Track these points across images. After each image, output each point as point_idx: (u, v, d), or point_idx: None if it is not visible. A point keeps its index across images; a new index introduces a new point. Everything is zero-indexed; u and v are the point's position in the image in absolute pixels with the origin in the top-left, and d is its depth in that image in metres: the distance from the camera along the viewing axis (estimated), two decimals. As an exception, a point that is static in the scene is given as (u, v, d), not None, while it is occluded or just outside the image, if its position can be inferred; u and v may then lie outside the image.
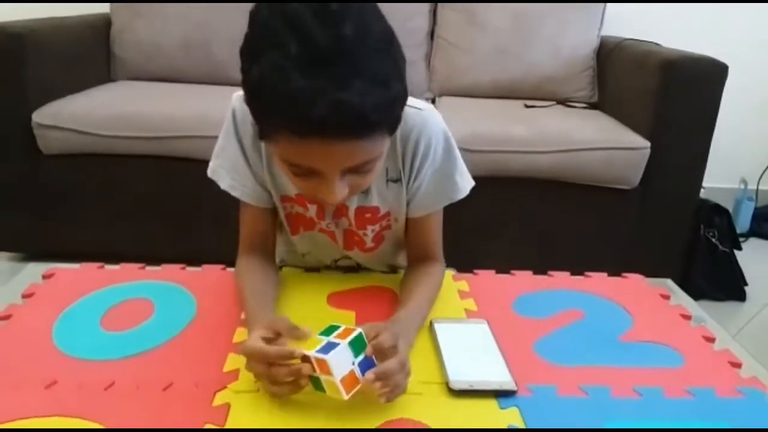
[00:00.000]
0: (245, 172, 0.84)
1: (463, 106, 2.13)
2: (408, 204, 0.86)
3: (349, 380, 0.60)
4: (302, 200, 0.86)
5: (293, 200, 0.87)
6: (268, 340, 0.64)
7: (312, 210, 0.87)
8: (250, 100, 0.65)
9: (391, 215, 0.88)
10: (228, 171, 0.85)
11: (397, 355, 0.63)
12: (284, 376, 0.62)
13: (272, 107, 0.61)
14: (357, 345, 0.62)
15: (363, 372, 0.61)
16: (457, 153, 0.85)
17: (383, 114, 0.62)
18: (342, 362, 0.60)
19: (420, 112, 0.80)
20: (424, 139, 0.80)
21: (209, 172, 0.86)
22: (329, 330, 0.64)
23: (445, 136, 0.83)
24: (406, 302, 0.79)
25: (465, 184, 0.86)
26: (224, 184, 0.85)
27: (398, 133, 0.77)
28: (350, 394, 0.60)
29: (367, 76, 0.58)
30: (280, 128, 0.62)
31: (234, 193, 0.85)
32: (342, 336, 0.62)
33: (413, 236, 0.90)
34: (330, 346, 0.60)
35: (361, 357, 0.62)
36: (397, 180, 0.83)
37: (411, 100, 0.75)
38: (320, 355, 0.59)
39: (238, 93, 0.78)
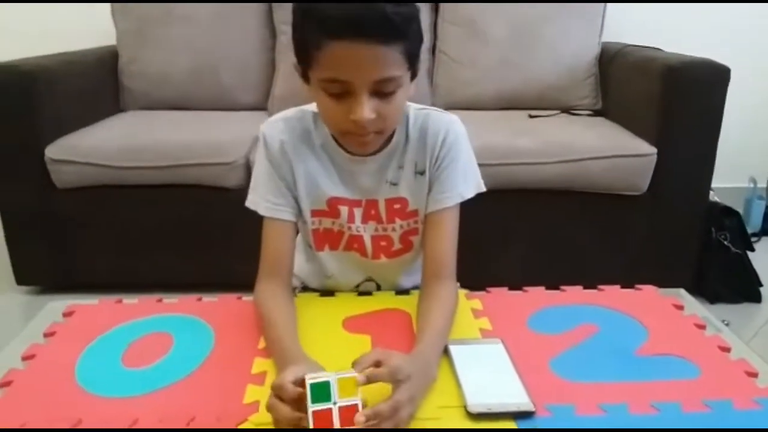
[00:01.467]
0: (275, 186, 0.91)
1: (467, 119, 2.07)
2: (428, 194, 0.93)
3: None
4: (334, 208, 0.93)
5: (324, 213, 0.94)
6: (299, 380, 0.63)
7: (344, 213, 0.93)
8: (295, 25, 0.78)
9: (418, 215, 0.95)
10: (261, 190, 0.92)
11: (394, 397, 0.64)
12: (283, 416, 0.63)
13: (314, 14, 0.75)
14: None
15: None
16: (474, 161, 0.96)
17: (406, 24, 0.75)
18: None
19: (450, 116, 0.95)
20: (451, 137, 0.92)
21: (247, 203, 0.93)
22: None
23: (467, 144, 0.95)
24: (424, 333, 0.80)
25: (473, 187, 0.95)
26: (260, 207, 0.92)
27: (429, 130, 0.92)
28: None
29: None
30: (319, 38, 0.73)
31: (261, 211, 0.91)
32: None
33: (430, 240, 0.93)
34: None
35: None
36: (423, 172, 0.93)
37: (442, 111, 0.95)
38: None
39: (266, 121, 0.94)
